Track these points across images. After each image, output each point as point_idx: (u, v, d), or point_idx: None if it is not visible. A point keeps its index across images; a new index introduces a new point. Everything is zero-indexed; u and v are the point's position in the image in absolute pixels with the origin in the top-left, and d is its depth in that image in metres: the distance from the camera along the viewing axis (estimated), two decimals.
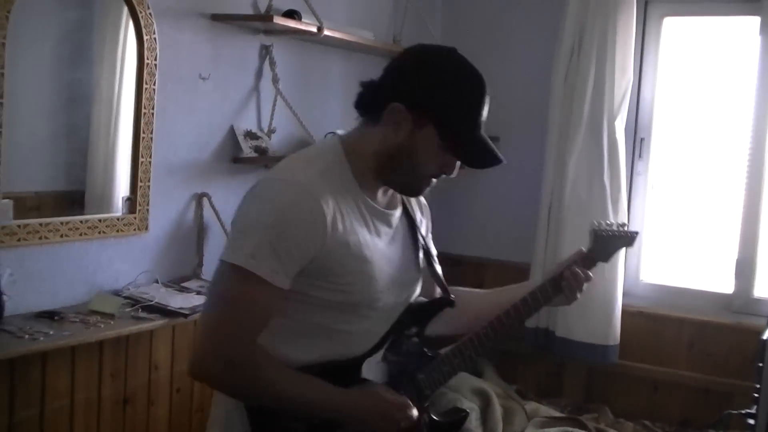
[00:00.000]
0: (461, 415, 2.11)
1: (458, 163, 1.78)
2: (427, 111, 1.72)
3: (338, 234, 1.70)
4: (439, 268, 2.04)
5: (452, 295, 1.99)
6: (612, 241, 2.05)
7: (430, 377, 1.91)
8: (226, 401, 1.80)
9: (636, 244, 4.09)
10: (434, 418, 1.97)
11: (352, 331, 1.80)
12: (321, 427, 1.77)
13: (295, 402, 1.72)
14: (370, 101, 1.79)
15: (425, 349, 1.94)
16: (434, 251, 2.07)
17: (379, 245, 1.81)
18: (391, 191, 1.88)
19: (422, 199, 2.04)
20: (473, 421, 3.53)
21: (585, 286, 1.99)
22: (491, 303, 2.01)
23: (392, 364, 1.88)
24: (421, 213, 2.03)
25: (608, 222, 2.07)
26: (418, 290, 1.97)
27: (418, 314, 1.95)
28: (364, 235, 1.77)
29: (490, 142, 1.78)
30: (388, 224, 1.85)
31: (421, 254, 1.96)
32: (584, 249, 2.02)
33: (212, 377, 1.71)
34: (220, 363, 1.66)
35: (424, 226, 2.02)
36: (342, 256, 1.72)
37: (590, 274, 2.00)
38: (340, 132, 1.92)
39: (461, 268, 4.42)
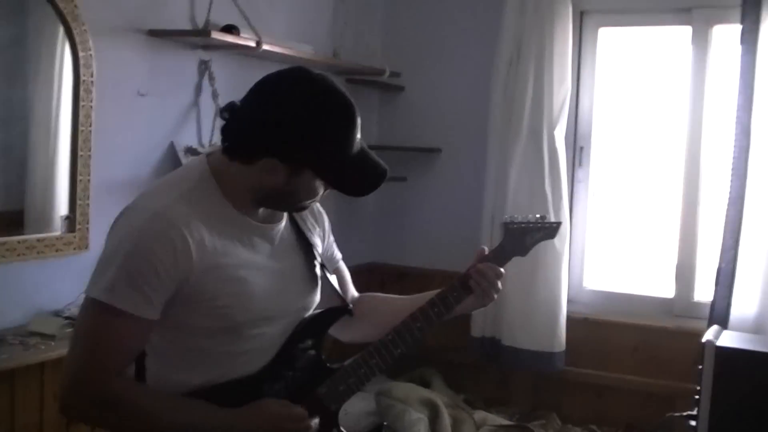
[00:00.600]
0: (377, 428, 2.07)
1: None
2: (300, 159, 1.66)
3: (207, 256, 1.66)
4: (342, 269, 2.00)
5: (350, 304, 1.95)
6: (528, 234, 2.03)
7: (333, 390, 1.86)
8: None
9: (577, 249, 4.18)
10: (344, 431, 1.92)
11: (242, 351, 1.75)
12: None
13: (179, 429, 1.67)
14: (239, 145, 1.70)
15: (326, 362, 1.88)
16: (338, 254, 2.04)
17: (258, 261, 1.76)
18: None
19: (316, 205, 1.97)
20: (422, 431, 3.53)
21: (498, 282, 1.95)
22: (403, 307, 1.96)
23: (289, 380, 1.82)
24: (315, 221, 1.97)
25: (523, 216, 2.05)
26: (314, 301, 1.91)
27: (313, 326, 1.88)
28: (239, 253, 1.72)
29: (370, 157, 1.74)
30: (269, 239, 1.79)
31: (316, 264, 1.90)
32: (485, 248, 2.01)
33: (79, 415, 1.69)
34: (84, 400, 1.63)
35: (318, 231, 1.96)
36: (215, 279, 1.67)
37: (500, 269, 1.95)
38: (204, 151, 1.86)
39: (406, 279, 4.43)
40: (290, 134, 1.65)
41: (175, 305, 1.66)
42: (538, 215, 2.09)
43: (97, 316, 1.62)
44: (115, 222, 1.70)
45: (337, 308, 1.94)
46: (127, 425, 1.67)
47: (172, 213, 1.64)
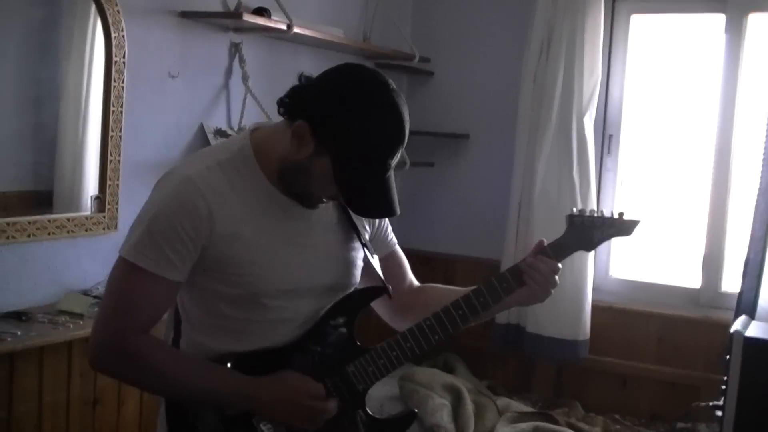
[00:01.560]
0: (407, 414, 2.01)
1: None
2: (327, 142, 1.67)
3: (231, 225, 1.70)
4: (376, 259, 1.95)
5: (388, 286, 1.91)
6: (597, 228, 1.94)
7: (361, 370, 1.84)
8: (161, 401, 1.82)
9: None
10: (371, 414, 1.89)
11: (265, 321, 1.78)
12: (234, 417, 1.76)
13: (197, 391, 1.72)
14: (289, 106, 1.73)
15: (357, 341, 1.87)
16: (393, 239, 2.04)
17: (285, 234, 1.77)
18: None
19: None
20: (445, 417, 3.54)
21: (555, 278, 1.89)
22: (451, 297, 1.91)
23: (316, 355, 1.82)
24: None
25: (592, 209, 1.96)
26: (351, 282, 1.90)
27: (346, 304, 1.87)
28: (265, 224, 1.74)
29: (390, 191, 1.72)
30: (300, 214, 1.79)
31: (357, 245, 1.89)
32: (545, 240, 1.93)
33: (106, 368, 1.76)
34: (110, 354, 1.70)
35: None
36: (235, 247, 1.71)
37: (557, 264, 1.89)
38: (259, 123, 1.87)
39: (431, 265, 4.43)
40: (335, 112, 1.66)
41: (200, 270, 1.72)
42: (612, 211, 1.99)
43: (123, 274, 1.70)
44: (155, 186, 1.77)
45: (373, 288, 1.92)
46: (147, 382, 1.77)
47: (202, 179, 1.70)
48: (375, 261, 1.96)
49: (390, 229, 2.06)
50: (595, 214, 1.95)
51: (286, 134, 1.72)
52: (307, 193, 1.76)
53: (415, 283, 2.11)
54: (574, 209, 1.98)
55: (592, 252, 4.03)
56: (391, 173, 1.72)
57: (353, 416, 1.87)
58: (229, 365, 1.76)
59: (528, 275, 1.89)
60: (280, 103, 1.75)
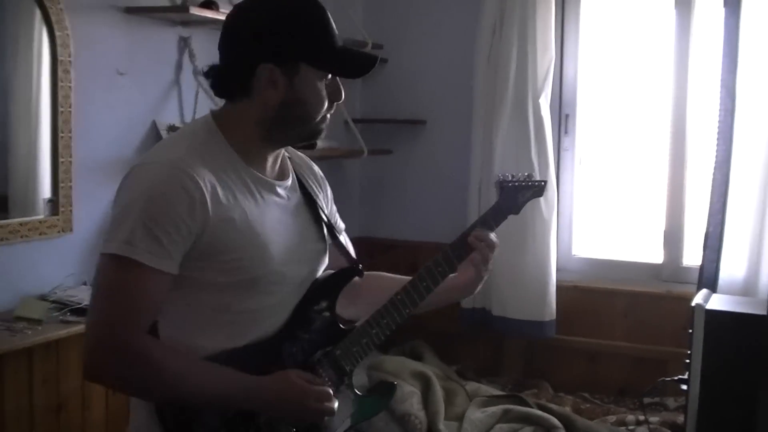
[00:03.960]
0: (388, 386, 2.06)
1: (341, 84, 1.77)
2: (290, 54, 1.69)
3: (221, 208, 1.65)
4: (345, 240, 1.99)
5: (359, 265, 1.93)
6: (520, 191, 2.04)
7: (347, 351, 1.86)
8: (140, 405, 1.72)
9: (565, 218, 4.19)
10: (358, 393, 1.92)
11: (256, 309, 1.74)
12: (236, 418, 1.72)
13: (200, 392, 1.65)
14: (231, 80, 1.73)
15: (339, 323, 1.88)
16: (341, 224, 2.02)
17: (270, 215, 1.75)
18: (280, 161, 1.83)
19: (316, 169, 1.99)
20: (415, 405, 3.53)
21: (493, 253, 1.94)
22: (402, 280, 1.96)
23: (305, 342, 1.82)
24: (318, 184, 1.97)
25: (513, 174, 2.05)
26: (324, 262, 1.90)
27: (326, 287, 1.88)
28: (251, 207, 1.71)
29: (353, 48, 1.82)
30: (278, 194, 1.79)
31: (324, 226, 1.90)
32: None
33: (104, 374, 1.64)
34: (107, 357, 1.59)
35: (322, 195, 1.96)
36: (229, 231, 1.66)
37: (493, 239, 1.94)
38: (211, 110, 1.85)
39: (395, 251, 4.42)
40: (271, 32, 1.69)
41: (191, 261, 1.64)
42: (526, 173, 2.09)
43: (117, 271, 1.60)
44: (123, 179, 1.68)
45: (350, 269, 1.93)
46: (151, 385, 1.63)
47: (186, 164, 1.63)
48: (343, 239, 1.97)
49: (338, 214, 2.05)
50: (517, 179, 2.05)
51: (248, 102, 1.72)
52: (310, 120, 1.75)
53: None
54: (500, 175, 2.05)
55: (554, 231, 4.06)
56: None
57: (345, 397, 1.88)
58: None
59: (474, 237, 1.93)
60: (220, 91, 1.76)
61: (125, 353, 1.60)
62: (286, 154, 1.88)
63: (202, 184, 1.62)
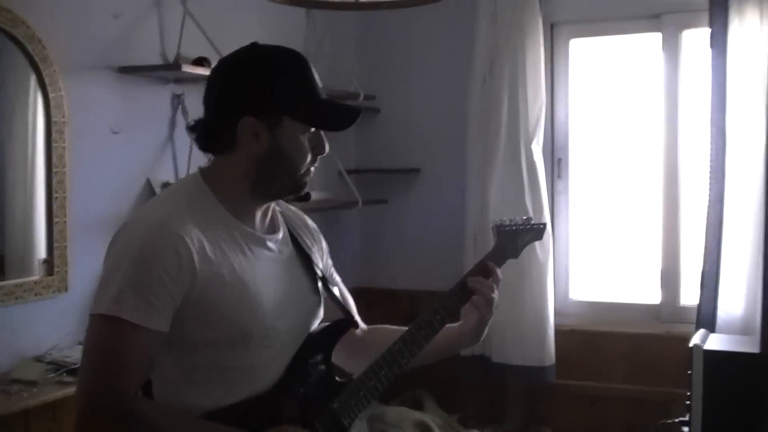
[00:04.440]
0: None
1: (324, 137, 1.77)
2: (272, 107, 1.69)
3: (209, 264, 1.64)
4: (340, 292, 1.95)
5: (355, 316, 1.91)
6: (519, 235, 2.04)
7: (345, 405, 1.81)
8: None
9: (561, 261, 4.18)
10: None
11: (250, 365, 1.72)
12: None
13: None
14: (214, 134, 1.74)
15: (335, 376, 1.86)
16: (336, 277, 2.01)
17: (261, 270, 1.74)
18: (270, 215, 1.83)
19: (310, 222, 1.98)
20: None
21: (495, 294, 1.92)
22: (399, 332, 1.93)
23: (301, 397, 1.78)
24: (312, 237, 1.96)
25: (511, 218, 2.06)
26: (319, 315, 1.88)
27: (321, 340, 1.85)
28: (241, 261, 1.70)
29: (337, 101, 1.83)
30: (269, 248, 1.78)
31: (318, 279, 1.88)
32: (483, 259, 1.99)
33: None
34: (98, 419, 1.58)
35: (316, 248, 1.95)
36: (219, 287, 1.65)
37: (498, 274, 1.94)
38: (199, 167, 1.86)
39: (394, 300, 4.41)
40: (253, 85, 1.69)
41: (182, 319, 1.63)
42: (524, 217, 2.11)
43: (106, 332, 1.58)
44: (113, 239, 1.68)
45: (343, 320, 1.90)
46: None
47: (172, 222, 1.63)
48: (336, 291, 1.94)
49: (333, 268, 2.04)
50: (514, 222, 2.05)
51: (233, 156, 1.72)
52: (293, 172, 1.74)
53: (362, 324, 2.08)
54: (497, 220, 2.05)
55: (551, 275, 4.05)
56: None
57: None
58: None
59: (473, 282, 1.92)
60: (204, 146, 1.77)
61: (116, 415, 1.58)
62: (277, 208, 1.88)
63: (189, 241, 1.62)
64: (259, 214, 1.79)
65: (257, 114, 1.68)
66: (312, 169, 1.77)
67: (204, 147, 1.77)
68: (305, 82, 1.73)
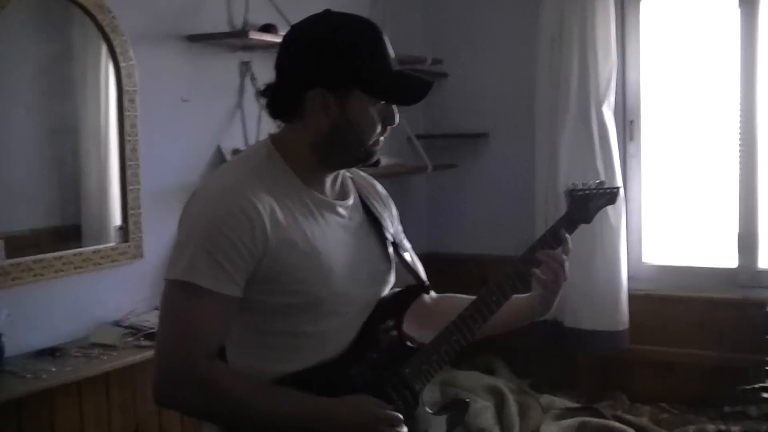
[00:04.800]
0: (461, 405, 2.01)
1: (395, 108, 1.74)
2: (342, 79, 1.67)
3: (281, 230, 1.64)
4: (411, 258, 1.95)
5: (426, 281, 1.90)
6: (592, 200, 2.00)
7: (416, 370, 1.81)
8: (211, 430, 1.72)
9: (635, 225, 4.11)
10: (429, 411, 1.88)
11: (323, 331, 1.72)
12: None
13: (268, 417, 1.64)
14: (284, 102, 1.73)
15: (407, 342, 1.85)
16: (406, 243, 1.99)
17: (332, 236, 1.73)
18: (340, 182, 1.82)
19: (380, 188, 1.97)
20: (489, 419, 3.50)
21: (565, 267, 1.88)
22: (468, 300, 1.91)
23: (373, 362, 1.78)
24: (383, 203, 1.95)
25: (583, 182, 2.02)
26: (390, 281, 1.87)
27: (392, 305, 1.85)
28: (312, 227, 1.70)
29: (410, 72, 1.76)
30: (339, 215, 1.77)
31: (389, 245, 1.87)
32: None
33: (172, 399, 1.65)
34: (182, 385, 1.60)
35: (387, 214, 1.94)
36: (291, 253, 1.65)
37: (569, 243, 1.91)
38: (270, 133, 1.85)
39: (464, 266, 4.39)
40: (324, 56, 1.67)
41: (254, 284, 1.64)
42: (597, 180, 2.06)
43: (181, 297, 1.60)
44: (185, 206, 1.70)
45: (415, 286, 1.89)
46: (219, 411, 1.63)
47: (244, 188, 1.63)
48: (408, 256, 1.93)
49: (403, 233, 2.02)
50: (587, 187, 2.01)
51: (302, 125, 1.71)
52: (363, 143, 1.73)
53: (433, 293, 2.07)
54: (570, 184, 2.01)
55: (624, 239, 3.99)
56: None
57: (416, 416, 1.83)
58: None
59: (541, 258, 1.89)
60: (274, 112, 1.76)
61: (192, 380, 1.60)
62: (348, 174, 1.88)
63: (261, 207, 1.62)
64: (329, 181, 1.79)
65: (327, 86, 1.67)
66: (381, 139, 1.76)
67: (274, 114, 1.77)
68: (377, 53, 1.70)
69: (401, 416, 1.73)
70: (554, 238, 1.93)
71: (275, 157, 1.73)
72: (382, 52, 1.70)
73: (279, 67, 1.75)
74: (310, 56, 1.69)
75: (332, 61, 1.67)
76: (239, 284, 1.62)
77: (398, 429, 1.72)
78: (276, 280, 1.65)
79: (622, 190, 3.89)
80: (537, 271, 1.89)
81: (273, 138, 1.77)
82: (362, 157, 1.76)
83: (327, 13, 1.74)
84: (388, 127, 1.75)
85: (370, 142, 1.73)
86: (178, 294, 1.61)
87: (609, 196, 2.05)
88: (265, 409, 1.64)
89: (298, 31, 1.75)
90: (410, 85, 1.73)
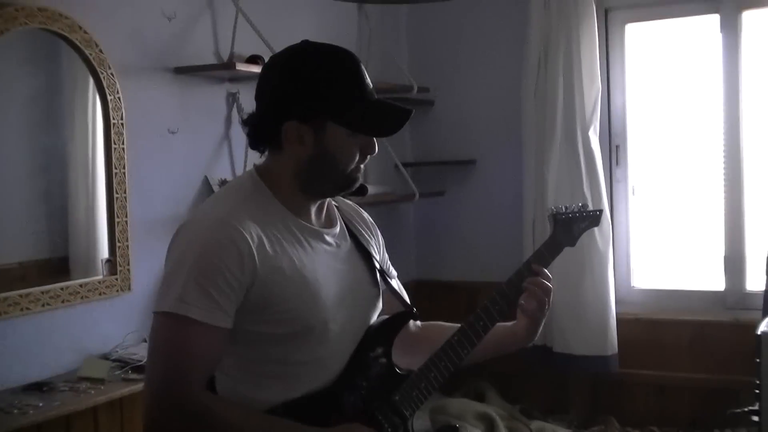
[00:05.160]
0: (450, 430, 2.03)
1: (373, 140, 1.75)
2: (317, 113, 1.68)
3: (269, 259, 1.65)
4: (397, 284, 1.96)
5: (413, 308, 1.91)
6: (575, 222, 2.02)
7: (406, 396, 1.83)
8: None
9: (622, 249, 4.12)
10: None
11: (313, 359, 1.72)
12: None
13: None
14: (262, 133, 1.74)
15: (396, 368, 1.85)
16: (393, 270, 2.00)
17: (320, 264, 1.74)
18: (326, 210, 1.83)
19: (366, 215, 1.98)
20: None
21: (548, 296, 1.90)
22: (454, 327, 1.92)
23: (363, 390, 1.79)
24: (369, 230, 1.96)
25: (566, 206, 2.03)
26: (378, 308, 1.88)
27: (382, 332, 1.85)
28: (300, 256, 1.71)
29: (389, 101, 1.75)
30: (327, 242, 1.78)
31: (377, 272, 1.88)
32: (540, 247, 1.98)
33: (162, 431, 1.63)
34: (166, 416, 1.59)
35: (374, 242, 1.95)
36: (278, 281, 1.65)
37: (546, 273, 1.91)
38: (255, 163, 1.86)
39: (453, 293, 4.40)
40: (298, 88, 1.68)
41: (244, 314, 1.64)
42: (580, 204, 2.08)
43: (171, 329, 1.60)
44: (173, 238, 1.70)
45: (403, 313, 1.91)
46: None
47: (231, 218, 1.64)
48: (395, 283, 1.94)
49: (389, 261, 2.03)
50: (570, 210, 2.03)
51: (282, 155, 1.72)
52: (341, 172, 1.73)
53: (418, 322, 2.07)
54: (553, 208, 2.03)
55: (611, 263, 4.00)
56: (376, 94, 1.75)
57: None
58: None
59: (526, 287, 1.90)
60: (253, 143, 1.77)
61: (182, 411, 1.59)
62: (333, 202, 1.88)
63: (248, 237, 1.63)
64: (314, 209, 1.79)
65: (300, 117, 1.68)
66: (362, 166, 1.77)
67: (253, 145, 1.78)
68: (352, 84, 1.70)
69: None
70: (540, 261, 1.94)
71: (261, 187, 1.74)
72: (358, 83, 1.71)
73: (257, 97, 1.76)
74: (284, 88, 1.70)
75: (305, 92, 1.68)
76: (229, 315, 1.62)
77: None
78: (265, 309, 1.65)
79: (608, 214, 3.98)
80: (522, 300, 1.90)
81: (258, 168, 1.78)
82: (342, 186, 1.77)
83: (304, 44, 1.75)
84: (368, 156, 1.76)
85: (349, 170, 1.74)
86: (168, 326, 1.61)
87: (592, 218, 2.07)
88: None
89: (274, 63, 1.77)
90: (387, 116, 1.73)
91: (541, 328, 1.94)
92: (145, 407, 1.62)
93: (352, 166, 1.74)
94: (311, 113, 1.68)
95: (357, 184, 1.79)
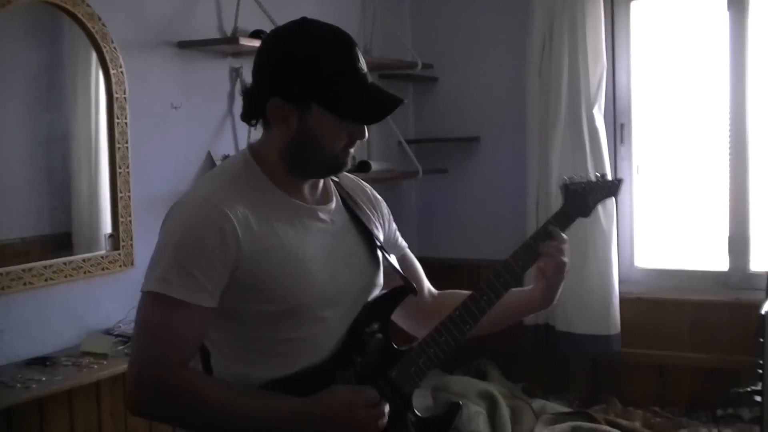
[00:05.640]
0: (452, 407, 1.98)
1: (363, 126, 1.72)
2: (302, 93, 1.65)
3: (254, 239, 1.64)
4: (403, 257, 1.94)
5: (413, 284, 1.88)
6: (590, 194, 1.98)
7: (404, 373, 1.81)
8: None
9: (626, 228, 4.11)
10: (419, 415, 1.86)
11: (307, 336, 1.72)
12: None
13: (248, 421, 1.64)
14: (252, 108, 1.73)
15: (393, 344, 1.84)
16: (402, 242, 1.99)
17: (313, 242, 1.73)
18: (321, 186, 1.81)
19: (368, 189, 1.96)
20: (481, 424, 3.50)
21: (566, 258, 1.88)
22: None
23: (359, 366, 1.77)
24: (371, 204, 1.94)
25: (580, 175, 1.99)
26: (378, 283, 1.86)
27: (378, 308, 1.83)
28: (289, 234, 1.70)
29: (380, 87, 1.72)
30: (321, 219, 1.77)
31: (374, 245, 1.86)
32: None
33: (150, 410, 1.66)
34: (148, 393, 1.61)
35: (376, 216, 1.92)
36: (264, 260, 1.65)
37: (564, 237, 1.90)
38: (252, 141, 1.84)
39: (456, 271, 4.39)
40: (284, 66, 1.66)
41: (232, 294, 1.65)
42: (598, 174, 2.04)
43: (154, 309, 1.62)
44: (164, 218, 1.71)
45: (401, 287, 1.87)
46: (195, 418, 1.64)
47: (216, 198, 1.64)
48: (394, 260, 1.92)
49: (398, 232, 2.02)
50: (585, 180, 1.99)
51: (270, 132, 1.72)
52: (327, 155, 1.71)
53: (433, 289, 2.07)
54: (566, 178, 1.98)
55: (615, 242, 3.99)
56: (370, 78, 1.72)
57: (404, 419, 1.83)
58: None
59: (544, 250, 1.89)
60: (245, 116, 1.76)
61: (164, 387, 1.61)
62: (333, 177, 1.86)
63: (232, 217, 1.63)
64: (307, 187, 1.78)
65: (285, 96, 1.66)
66: (351, 150, 1.74)
67: (243, 117, 1.78)
68: (343, 67, 1.67)
69: (377, 394, 1.73)
70: (548, 235, 1.91)
71: (252, 165, 1.73)
72: (349, 67, 1.67)
73: (252, 71, 1.75)
74: (272, 64, 1.69)
75: (293, 72, 1.66)
76: (212, 294, 1.63)
77: (376, 409, 1.72)
78: (255, 287, 1.66)
79: (610, 205, 3.96)
80: (539, 263, 1.89)
81: (251, 147, 1.78)
82: (329, 168, 1.76)
83: (302, 21, 1.73)
84: (358, 141, 1.74)
85: (335, 153, 1.71)
86: (151, 305, 1.63)
87: (609, 188, 2.03)
88: (237, 412, 1.64)
89: (269, 38, 1.76)
90: (375, 102, 1.70)
91: (558, 293, 1.93)
92: (128, 384, 1.65)
93: (338, 151, 1.72)
94: (296, 93, 1.66)
95: (345, 168, 1.77)
